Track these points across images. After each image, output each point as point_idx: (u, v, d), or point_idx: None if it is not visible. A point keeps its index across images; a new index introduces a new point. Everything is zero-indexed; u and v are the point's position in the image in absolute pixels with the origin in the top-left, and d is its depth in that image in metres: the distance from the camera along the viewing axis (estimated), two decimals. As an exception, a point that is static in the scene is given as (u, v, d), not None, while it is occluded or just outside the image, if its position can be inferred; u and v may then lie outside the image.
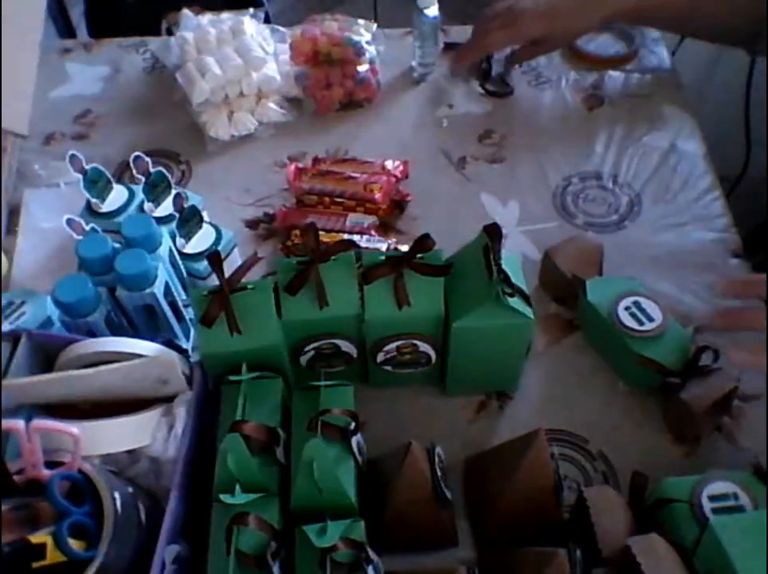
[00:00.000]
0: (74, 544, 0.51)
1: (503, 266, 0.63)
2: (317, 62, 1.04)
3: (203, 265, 0.78)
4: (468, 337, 0.67)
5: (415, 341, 0.70)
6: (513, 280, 0.64)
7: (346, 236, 0.84)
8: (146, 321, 0.74)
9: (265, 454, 0.60)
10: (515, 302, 0.64)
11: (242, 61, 1.00)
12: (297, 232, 0.86)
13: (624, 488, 0.68)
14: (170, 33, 1.12)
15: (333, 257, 0.66)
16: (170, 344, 0.66)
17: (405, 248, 0.81)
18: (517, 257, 0.69)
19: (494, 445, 0.69)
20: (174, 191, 0.80)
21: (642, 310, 0.73)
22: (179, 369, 0.62)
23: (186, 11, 1.10)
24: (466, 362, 0.71)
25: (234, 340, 0.64)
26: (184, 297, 0.77)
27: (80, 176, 0.78)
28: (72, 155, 0.77)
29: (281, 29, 1.11)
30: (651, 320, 0.72)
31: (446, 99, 1.08)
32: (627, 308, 0.73)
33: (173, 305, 0.74)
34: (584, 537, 0.60)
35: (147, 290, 0.69)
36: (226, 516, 0.55)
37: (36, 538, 0.50)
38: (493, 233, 0.65)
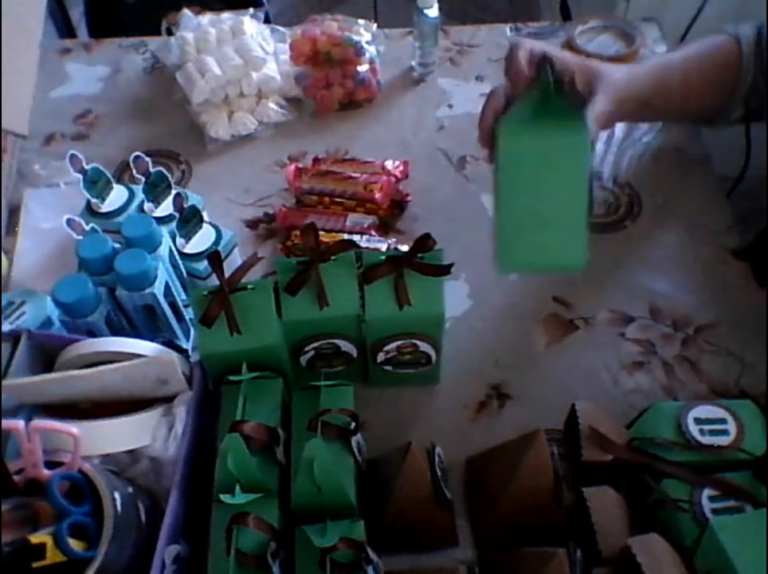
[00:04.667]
0: (74, 544, 0.51)
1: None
2: (317, 62, 1.04)
3: (203, 265, 0.78)
4: (519, 155, 0.60)
5: (415, 341, 0.70)
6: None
7: (346, 236, 0.84)
8: (146, 321, 0.74)
9: (265, 453, 0.60)
10: (568, 114, 0.60)
11: (242, 61, 1.00)
12: (297, 232, 0.86)
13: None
14: (170, 33, 1.12)
15: (333, 257, 0.66)
16: (170, 344, 0.66)
17: (405, 248, 0.81)
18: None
19: (494, 445, 0.69)
20: (174, 191, 0.80)
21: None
22: (179, 369, 0.62)
23: (186, 11, 1.10)
24: (518, 200, 0.62)
25: (234, 340, 0.64)
26: (184, 297, 0.77)
27: (80, 176, 0.78)
28: (72, 155, 0.77)
29: (281, 29, 1.11)
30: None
31: (446, 99, 1.08)
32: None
33: (173, 305, 0.74)
34: (584, 537, 0.60)
35: (147, 290, 0.69)
36: (226, 516, 0.55)
37: (36, 538, 0.50)
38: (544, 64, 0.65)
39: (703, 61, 0.82)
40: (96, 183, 0.79)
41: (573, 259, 0.63)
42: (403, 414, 0.76)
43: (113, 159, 1.00)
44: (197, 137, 1.02)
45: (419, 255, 0.66)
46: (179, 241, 0.79)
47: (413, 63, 1.10)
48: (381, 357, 0.72)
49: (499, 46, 1.15)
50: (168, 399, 0.64)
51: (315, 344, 0.70)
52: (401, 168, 0.94)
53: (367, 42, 1.04)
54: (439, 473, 0.63)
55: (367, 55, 1.04)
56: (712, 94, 0.84)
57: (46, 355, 0.66)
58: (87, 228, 0.74)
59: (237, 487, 0.58)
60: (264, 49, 1.04)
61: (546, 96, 0.63)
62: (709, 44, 0.84)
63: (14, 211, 0.95)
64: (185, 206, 0.77)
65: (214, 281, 0.67)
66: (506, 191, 0.61)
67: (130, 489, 0.58)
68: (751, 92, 0.83)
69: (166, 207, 0.81)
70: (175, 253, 0.77)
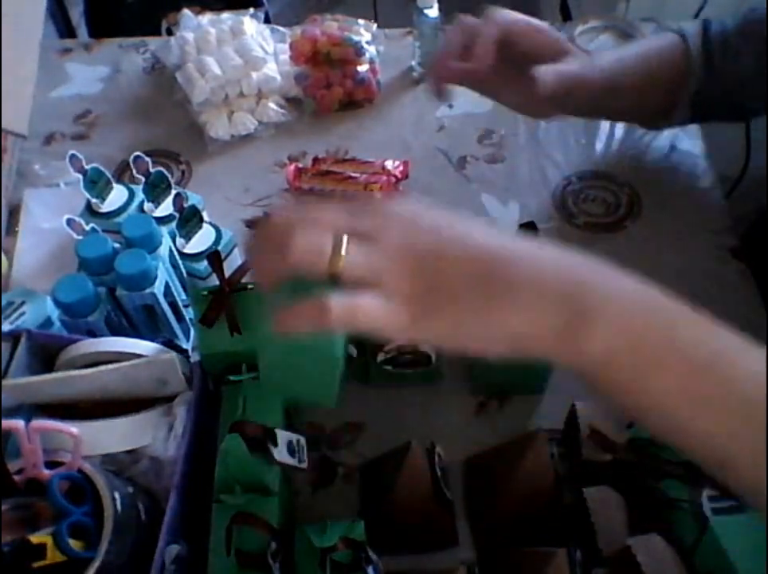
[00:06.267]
0: (74, 544, 0.51)
1: None
2: (317, 62, 1.04)
3: (203, 265, 0.78)
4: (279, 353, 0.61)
5: (415, 341, 0.70)
6: None
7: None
8: (146, 321, 0.74)
9: (265, 453, 0.60)
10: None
11: (242, 61, 1.00)
12: (297, 232, 0.86)
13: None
14: (170, 33, 1.12)
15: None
16: (170, 343, 0.66)
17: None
18: None
19: (494, 445, 0.69)
20: (174, 191, 0.80)
21: None
22: (179, 369, 0.62)
23: (186, 11, 1.10)
24: (277, 371, 0.64)
25: (234, 340, 0.64)
26: (184, 297, 0.77)
27: (80, 176, 0.78)
28: (72, 155, 0.77)
29: (281, 29, 1.11)
30: None
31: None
32: None
33: (173, 305, 0.74)
34: (584, 537, 0.60)
35: (147, 290, 0.69)
36: (226, 516, 0.55)
37: (36, 538, 0.50)
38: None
39: (653, 60, 0.83)
40: (96, 183, 0.79)
41: (326, 401, 0.64)
42: (403, 414, 0.76)
43: (113, 159, 1.00)
44: (197, 137, 1.02)
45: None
46: (179, 241, 0.79)
47: (413, 63, 1.10)
48: (381, 357, 0.72)
49: (499, 46, 1.15)
50: (168, 399, 0.64)
51: (315, 344, 0.69)
52: (401, 168, 0.94)
53: (367, 42, 1.04)
54: (439, 473, 0.63)
55: (367, 55, 1.04)
56: (659, 94, 0.85)
57: (46, 355, 0.66)
58: (87, 228, 0.74)
59: (237, 487, 0.58)
60: (264, 49, 1.04)
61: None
62: (659, 42, 0.84)
63: (14, 211, 0.94)
64: (185, 206, 0.77)
65: (214, 281, 0.67)
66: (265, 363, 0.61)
67: (130, 489, 0.58)
68: (698, 97, 0.84)
69: (166, 207, 0.81)
70: (175, 253, 0.77)
